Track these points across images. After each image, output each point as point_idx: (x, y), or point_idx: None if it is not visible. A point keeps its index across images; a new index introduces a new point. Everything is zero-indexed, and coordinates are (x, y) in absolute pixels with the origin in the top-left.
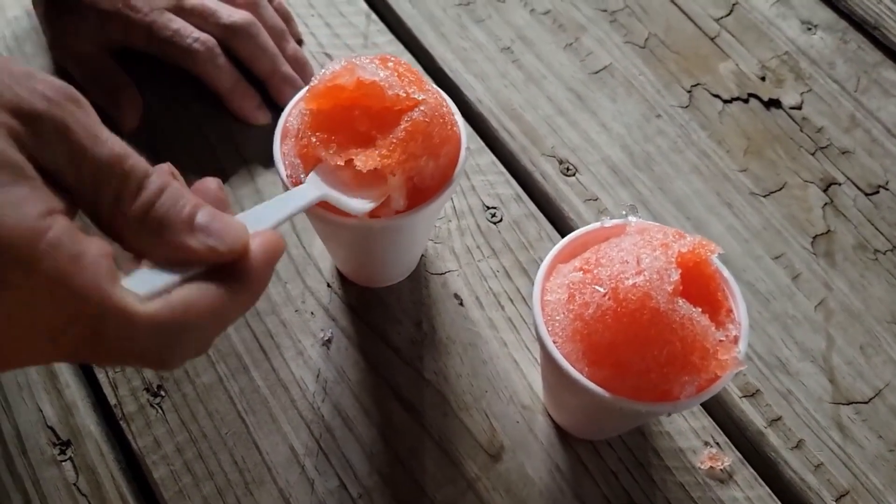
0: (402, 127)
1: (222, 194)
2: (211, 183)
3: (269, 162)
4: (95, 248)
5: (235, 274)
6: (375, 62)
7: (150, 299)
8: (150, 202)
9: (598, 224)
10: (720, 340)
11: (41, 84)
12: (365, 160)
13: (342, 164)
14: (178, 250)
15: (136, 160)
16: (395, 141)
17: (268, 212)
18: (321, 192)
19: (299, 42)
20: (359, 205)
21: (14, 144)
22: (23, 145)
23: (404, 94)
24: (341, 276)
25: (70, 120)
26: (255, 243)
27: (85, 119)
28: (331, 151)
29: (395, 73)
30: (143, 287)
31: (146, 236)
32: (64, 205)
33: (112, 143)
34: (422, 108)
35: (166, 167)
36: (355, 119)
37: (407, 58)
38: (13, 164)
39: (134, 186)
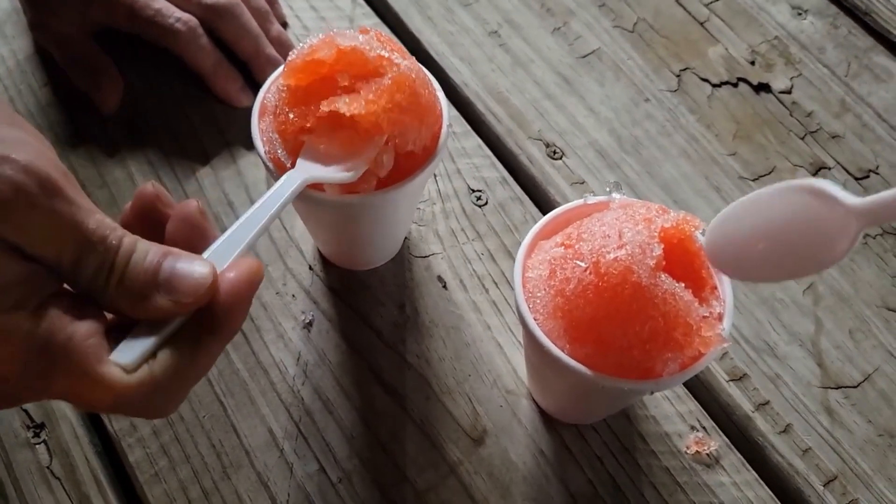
0: (389, 76)
1: (201, 219)
2: (190, 206)
3: (251, 144)
4: (83, 331)
5: (208, 319)
6: (354, 31)
7: (136, 369)
8: (119, 278)
9: (581, 201)
10: (704, 317)
11: (14, 169)
12: (349, 103)
13: (326, 112)
14: (153, 311)
15: (111, 239)
16: (381, 88)
17: (253, 219)
18: (306, 174)
19: (284, 25)
20: (346, 174)
21: None
22: None
23: (387, 55)
24: (323, 259)
25: (40, 210)
26: (227, 279)
27: (60, 206)
28: (311, 121)
29: (376, 39)
30: (129, 356)
31: (123, 305)
32: (49, 281)
33: (86, 225)
34: (407, 62)
35: (150, 187)
36: (336, 82)
37: None
38: None
39: (108, 265)
